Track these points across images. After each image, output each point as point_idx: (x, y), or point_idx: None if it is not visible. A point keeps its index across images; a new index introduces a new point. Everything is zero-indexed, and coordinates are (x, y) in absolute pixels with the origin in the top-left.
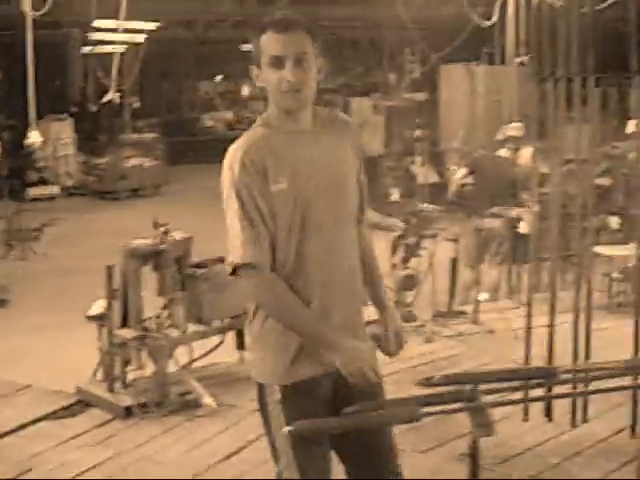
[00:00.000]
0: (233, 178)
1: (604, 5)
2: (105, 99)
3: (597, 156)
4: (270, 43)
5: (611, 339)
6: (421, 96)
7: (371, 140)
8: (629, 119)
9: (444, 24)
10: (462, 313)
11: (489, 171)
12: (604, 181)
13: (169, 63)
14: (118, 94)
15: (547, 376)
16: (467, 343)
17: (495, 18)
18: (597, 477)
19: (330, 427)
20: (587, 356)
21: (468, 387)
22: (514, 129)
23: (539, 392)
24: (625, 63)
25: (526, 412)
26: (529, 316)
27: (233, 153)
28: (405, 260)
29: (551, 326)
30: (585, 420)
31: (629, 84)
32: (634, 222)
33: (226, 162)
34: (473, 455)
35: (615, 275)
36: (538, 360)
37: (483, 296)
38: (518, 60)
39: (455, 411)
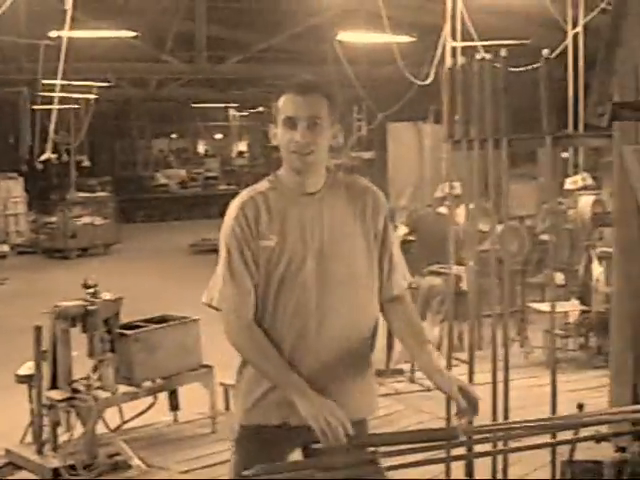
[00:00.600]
0: (226, 229)
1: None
2: (42, 158)
3: (543, 212)
4: (286, 104)
5: (546, 395)
6: (369, 154)
7: None
8: (566, 176)
9: (390, 82)
10: (399, 371)
11: (429, 229)
12: (548, 237)
13: (122, 121)
14: (54, 154)
15: (448, 438)
16: (404, 402)
17: (431, 78)
18: None
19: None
20: (505, 415)
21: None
22: (452, 187)
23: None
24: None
25: (447, 472)
26: (471, 373)
27: (232, 204)
28: None
29: (493, 383)
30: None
31: (539, 144)
32: (577, 278)
33: (227, 213)
34: None
35: (557, 331)
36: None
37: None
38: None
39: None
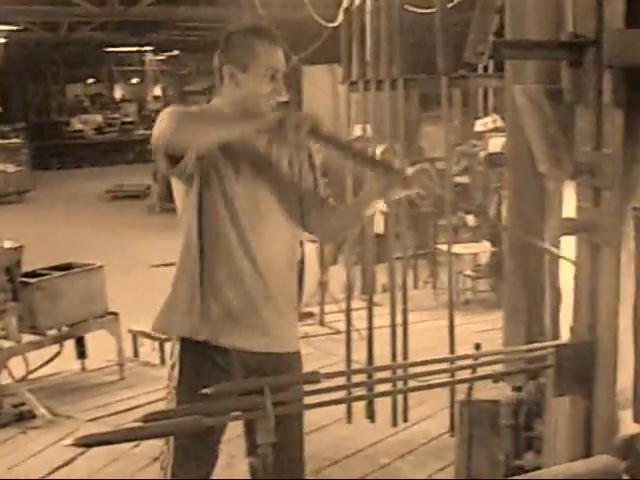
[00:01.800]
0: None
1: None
2: None
3: (457, 154)
4: (270, 54)
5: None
6: (284, 98)
7: None
8: (477, 118)
9: (304, 25)
10: (310, 314)
11: (340, 171)
12: (463, 179)
13: (35, 66)
14: None
15: (311, 381)
16: (313, 345)
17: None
18: (426, 476)
19: (115, 439)
20: (405, 355)
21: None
22: (361, 129)
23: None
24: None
25: (349, 415)
26: (370, 316)
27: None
28: None
29: (392, 326)
30: (406, 419)
31: (436, 85)
32: (488, 220)
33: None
34: (264, 462)
35: (468, 272)
36: (383, 359)
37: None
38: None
39: (238, 418)
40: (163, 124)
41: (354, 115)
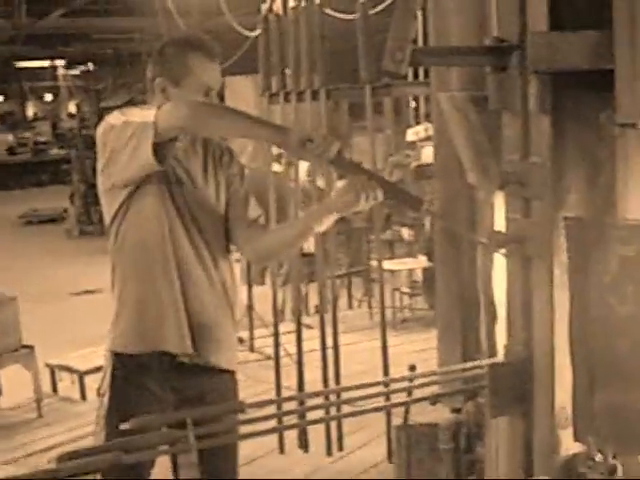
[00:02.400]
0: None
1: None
2: None
3: (390, 166)
4: (205, 70)
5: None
6: None
7: None
8: (408, 127)
9: (226, 34)
10: (238, 340)
11: (264, 189)
12: None
13: None
14: None
15: (236, 411)
16: (243, 372)
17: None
18: None
19: None
20: (337, 380)
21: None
22: None
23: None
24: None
25: (281, 445)
26: (299, 340)
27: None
28: None
29: (323, 349)
30: (341, 448)
31: (358, 95)
32: (425, 233)
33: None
34: None
35: (404, 289)
36: (315, 385)
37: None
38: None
39: (160, 453)
40: (184, 109)
41: None
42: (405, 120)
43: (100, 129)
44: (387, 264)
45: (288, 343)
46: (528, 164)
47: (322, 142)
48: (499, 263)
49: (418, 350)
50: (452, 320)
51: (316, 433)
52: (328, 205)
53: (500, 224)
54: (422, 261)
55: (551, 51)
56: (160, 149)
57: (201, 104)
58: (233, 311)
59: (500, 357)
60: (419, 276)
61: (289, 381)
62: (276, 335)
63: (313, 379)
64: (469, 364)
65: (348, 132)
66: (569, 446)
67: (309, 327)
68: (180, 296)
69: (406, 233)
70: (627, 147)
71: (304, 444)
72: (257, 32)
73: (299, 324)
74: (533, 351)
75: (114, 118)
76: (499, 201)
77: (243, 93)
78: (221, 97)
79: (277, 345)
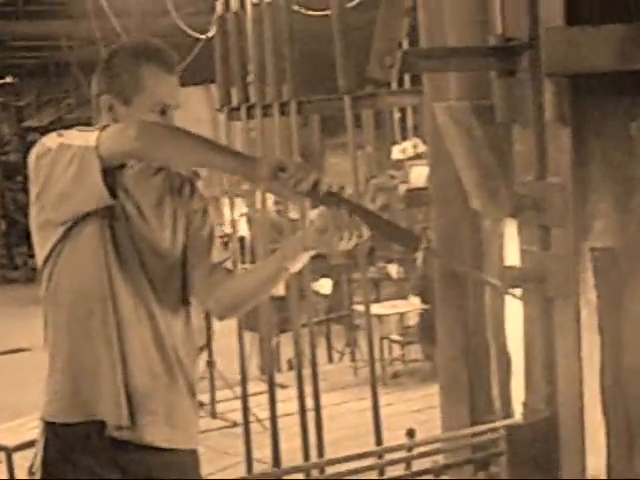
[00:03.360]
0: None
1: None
2: None
3: (372, 189)
4: (161, 84)
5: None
6: None
7: None
8: (393, 144)
9: (173, 37)
10: (198, 404)
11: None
12: None
13: None
14: None
15: None
16: (205, 442)
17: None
18: None
19: None
20: (320, 450)
21: None
22: None
23: None
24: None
25: None
26: (272, 402)
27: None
28: None
29: (302, 413)
30: None
31: (337, 106)
32: (417, 270)
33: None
34: None
35: (394, 337)
36: (293, 455)
37: None
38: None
39: None
40: (130, 131)
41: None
42: (388, 135)
43: (33, 153)
44: (374, 308)
45: (257, 406)
46: (545, 185)
47: (297, 172)
48: (513, 304)
49: (414, 410)
50: (457, 374)
51: None
52: (303, 241)
53: (513, 258)
54: (415, 303)
55: (570, 50)
56: (107, 177)
57: (151, 126)
58: (189, 380)
59: (518, 417)
60: (412, 321)
61: (261, 452)
62: (244, 397)
63: (290, 449)
64: (480, 427)
65: (321, 152)
66: None
67: (283, 386)
68: (119, 357)
69: (394, 270)
70: None
71: None
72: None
73: (271, 383)
74: (558, 409)
75: (50, 140)
76: (511, 230)
77: (194, 107)
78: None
79: (245, 409)
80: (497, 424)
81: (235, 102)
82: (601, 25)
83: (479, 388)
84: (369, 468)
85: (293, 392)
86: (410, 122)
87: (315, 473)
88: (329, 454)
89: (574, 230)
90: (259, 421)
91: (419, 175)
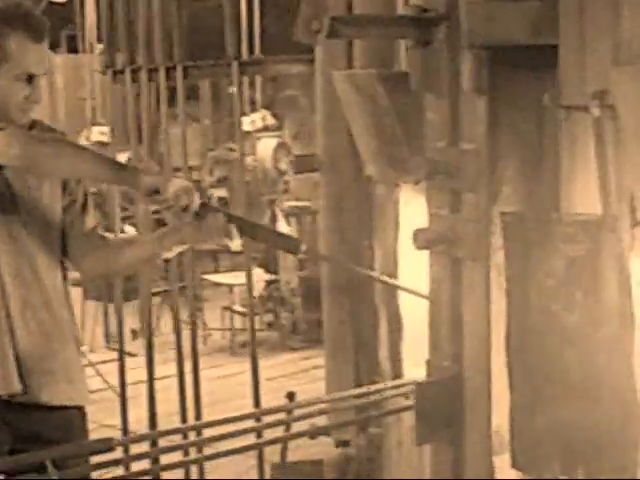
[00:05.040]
0: None
1: None
2: None
3: (210, 162)
4: (27, 54)
5: (234, 387)
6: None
7: None
8: (243, 114)
9: None
10: None
11: None
12: (221, 192)
13: None
14: None
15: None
16: None
17: None
18: None
19: None
20: (198, 415)
21: None
22: (100, 133)
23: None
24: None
25: None
26: (122, 371)
27: None
28: None
29: (150, 380)
30: None
31: (226, 73)
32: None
33: None
34: None
35: (237, 308)
36: (140, 424)
37: None
38: (100, 47)
39: None
40: (13, 149)
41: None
42: (225, 108)
43: None
44: (219, 277)
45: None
46: (458, 151)
47: (170, 196)
48: (407, 268)
49: (267, 379)
50: (343, 337)
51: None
52: (182, 236)
53: (408, 222)
54: (260, 274)
55: (489, 23)
56: None
57: (35, 145)
58: (75, 335)
59: (417, 376)
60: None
61: (113, 419)
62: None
63: (141, 417)
64: (372, 387)
65: (157, 122)
66: (506, 474)
67: (131, 354)
68: (5, 323)
69: (235, 243)
70: (573, 132)
71: None
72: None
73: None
74: (463, 367)
75: None
76: (407, 195)
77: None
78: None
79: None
80: (385, 384)
81: (120, 65)
82: (517, 1)
83: (365, 351)
84: (248, 430)
85: (141, 360)
86: (247, 94)
87: (193, 436)
88: (191, 421)
89: (485, 195)
90: (110, 387)
91: (266, 147)
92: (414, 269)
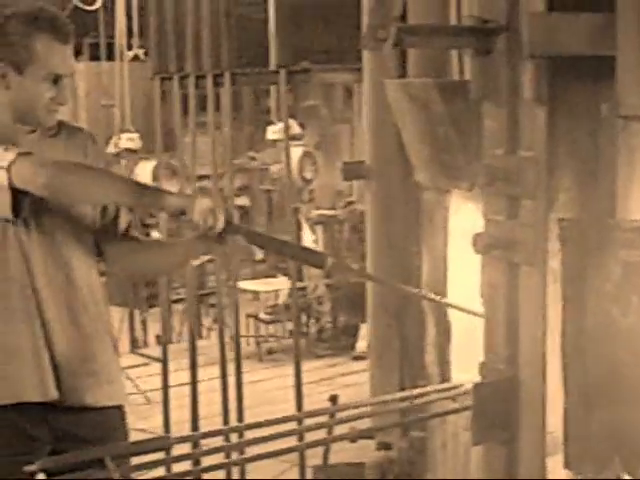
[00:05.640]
0: None
1: None
2: None
3: (232, 170)
4: (53, 55)
5: (263, 393)
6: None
7: None
8: (269, 124)
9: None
10: None
11: None
12: (242, 201)
13: None
14: None
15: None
16: None
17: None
18: None
19: None
20: (240, 417)
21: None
22: (129, 140)
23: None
24: (266, 57)
25: None
26: (164, 373)
27: None
28: None
29: (193, 383)
30: None
31: (270, 81)
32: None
33: None
34: None
35: (263, 316)
36: (182, 426)
37: None
38: (131, 54)
39: None
40: (40, 178)
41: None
42: (246, 117)
43: None
44: (247, 284)
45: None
46: (517, 159)
47: (195, 217)
48: (457, 274)
49: (293, 385)
50: (388, 343)
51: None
52: (209, 247)
53: (460, 228)
54: (285, 282)
55: (549, 34)
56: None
57: (61, 170)
58: (112, 334)
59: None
60: (280, 300)
61: (143, 423)
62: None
63: (179, 419)
64: (416, 391)
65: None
66: (558, 475)
67: (158, 360)
68: (40, 331)
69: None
70: (631, 142)
71: None
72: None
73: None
74: (519, 370)
75: None
76: (457, 202)
77: (100, 78)
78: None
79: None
80: (443, 385)
81: (170, 71)
82: (577, 13)
83: (411, 355)
84: (290, 433)
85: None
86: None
87: (234, 438)
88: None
89: (542, 201)
90: (141, 392)
91: (293, 156)
92: (464, 275)
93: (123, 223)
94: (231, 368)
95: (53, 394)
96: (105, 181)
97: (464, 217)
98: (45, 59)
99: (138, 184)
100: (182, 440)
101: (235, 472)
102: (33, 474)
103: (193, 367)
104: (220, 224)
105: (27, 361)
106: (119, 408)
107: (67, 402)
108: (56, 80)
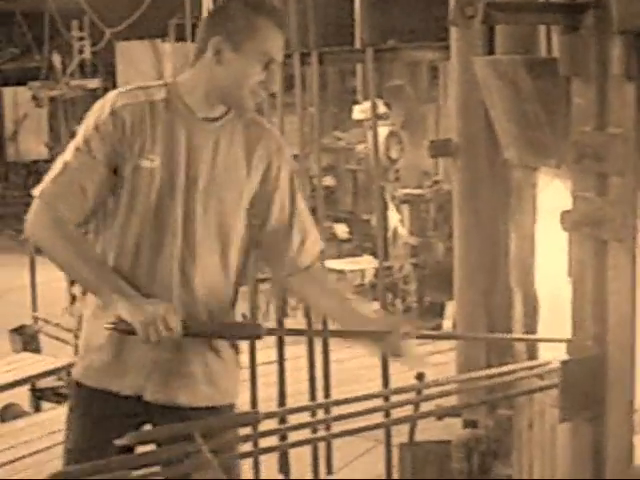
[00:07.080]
0: (91, 121)
1: None
2: None
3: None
4: (271, 38)
5: (349, 372)
6: (95, 82)
7: (30, 139)
8: (355, 103)
9: None
10: None
11: None
12: (327, 181)
13: None
14: None
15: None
16: None
17: None
18: None
19: None
20: (327, 394)
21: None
22: None
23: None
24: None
25: (256, 469)
26: (252, 352)
27: (110, 97)
28: None
29: (280, 361)
30: (330, 471)
31: (357, 59)
32: (365, 229)
33: (99, 105)
34: None
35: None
36: (269, 404)
37: None
38: None
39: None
40: (40, 227)
41: None
42: (332, 95)
43: None
44: (334, 263)
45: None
46: (606, 136)
47: (144, 332)
48: (545, 251)
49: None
50: (477, 319)
51: (298, 454)
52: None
53: (547, 205)
54: (372, 260)
55: (639, 9)
56: None
57: (53, 232)
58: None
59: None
60: (366, 279)
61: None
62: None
63: (265, 396)
64: (503, 369)
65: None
66: None
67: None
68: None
69: (340, 230)
70: None
71: (284, 468)
72: None
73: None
74: (607, 347)
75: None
76: (546, 179)
77: (138, 61)
78: (112, 67)
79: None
80: (530, 363)
81: None
82: None
83: (499, 332)
84: (375, 409)
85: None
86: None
87: (321, 415)
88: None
89: (633, 178)
90: None
91: (381, 135)
92: (552, 253)
93: (309, 258)
94: (317, 346)
95: (144, 391)
96: (71, 261)
97: (552, 194)
98: (264, 40)
99: (104, 279)
100: (270, 416)
101: (321, 448)
102: (124, 448)
103: (280, 345)
104: (176, 333)
105: (131, 357)
106: (227, 407)
107: (162, 400)
108: (267, 65)
